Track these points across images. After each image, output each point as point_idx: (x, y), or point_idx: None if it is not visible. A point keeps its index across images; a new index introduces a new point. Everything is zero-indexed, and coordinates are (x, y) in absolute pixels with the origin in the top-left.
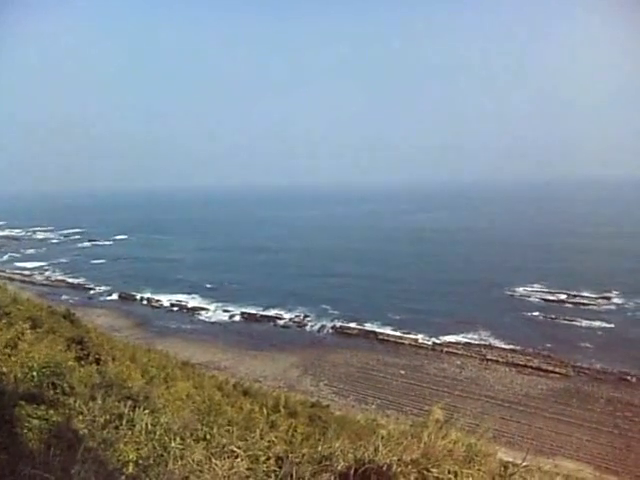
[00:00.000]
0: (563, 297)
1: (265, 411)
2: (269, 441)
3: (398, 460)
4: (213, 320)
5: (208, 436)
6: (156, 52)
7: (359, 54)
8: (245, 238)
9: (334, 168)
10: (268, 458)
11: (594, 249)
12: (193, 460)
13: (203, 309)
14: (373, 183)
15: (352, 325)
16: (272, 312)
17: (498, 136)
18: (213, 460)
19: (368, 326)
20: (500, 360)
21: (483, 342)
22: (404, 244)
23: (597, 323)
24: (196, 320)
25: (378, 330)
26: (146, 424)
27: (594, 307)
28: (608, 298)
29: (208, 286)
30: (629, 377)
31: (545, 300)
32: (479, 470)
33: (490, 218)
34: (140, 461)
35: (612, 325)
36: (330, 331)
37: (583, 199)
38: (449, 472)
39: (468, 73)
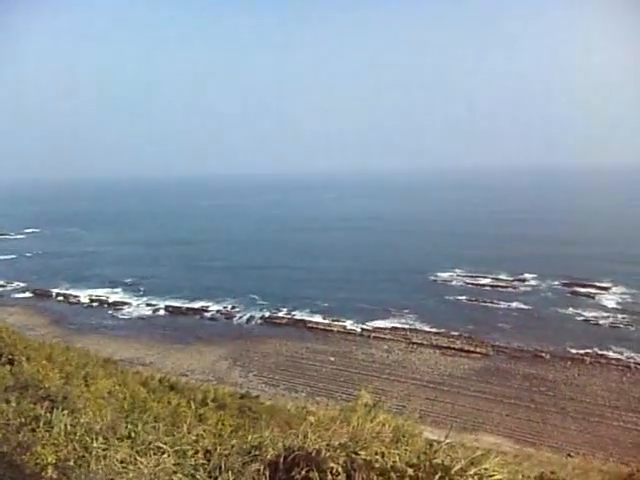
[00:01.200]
0: (482, 281)
1: (193, 405)
2: (197, 435)
3: (327, 445)
4: (136, 315)
5: (133, 434)
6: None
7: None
8: (168, 230)
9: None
10: (196, 452)
11: (511, 235)
12: (117, 459)
13: (125, 304)
14: (295, 172)
15: (281, 314)
16: (198, 304)
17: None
18: (138, 458)
19: (297, 315)
20: (425, 343)
21: (409, 326)
22: (329, 233)
23: (514, 304)
24: (118, 316)
25: (307, 318)
26: (65, 425)
27: (511, 289)
28: (523, 280)
29: (130, 280)
30: (543, 354)
31: (466, 284)
32: (406, 450)
33: (411, 206)
34: (60, 464)
35: (528, 306)
36: (259, 321)
37: (504, 187)
38: (376, 453)
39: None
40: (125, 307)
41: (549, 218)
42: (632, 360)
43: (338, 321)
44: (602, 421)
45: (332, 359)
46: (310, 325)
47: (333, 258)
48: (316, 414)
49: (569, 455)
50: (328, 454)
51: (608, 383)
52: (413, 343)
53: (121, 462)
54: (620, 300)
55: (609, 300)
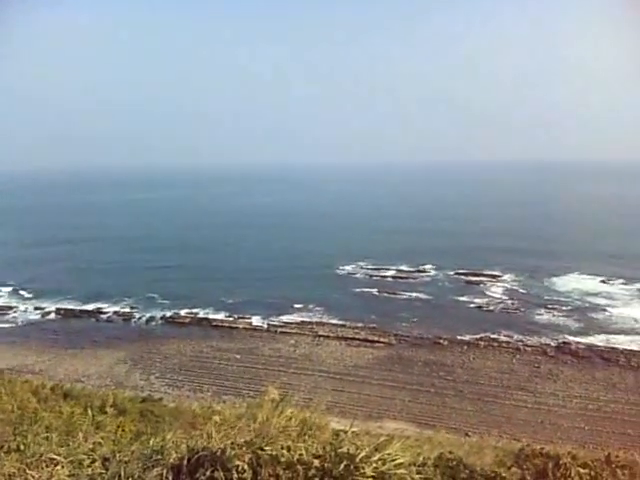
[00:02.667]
0: (385, 273)
1: (90, 413)
2: (94, 443)
3: (232, 443)
4: (23, 320)
5: (22, 446)
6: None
7: None
8: (58, 228)
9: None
10: (93, 461)
11: (413, 229)
12: (4, 474)
13: (10, 308)
14: (211, 165)
15: (183, 313)
16: (93, 306)
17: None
18: (29, 471)
19: (201, 313)
20: (331, 335)
21: (315, 320)
22: (234, 229)
23: (415, 294)
24: (3, 320)
25: (211, 316)
26: None
27: (412, 280)
28: (424, 271)
29: (14, 282)
30: (442, 340)
31: (370, 276)
32: (313, 442)
33: (315, 201)
34: None
35: (427, 295)
36: (160, 322)
37: (410, 181)
38: (283, 448)
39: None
40: (10, 312)
41: (451, 212)
42: (521, 342)
43: (244, 318)
44: (496, 401)
45: (238, 356)
46: (215, 323)
47: (237, 255)
48: (222, 413)
49: (467, 435)
50: (233, 452)
51: (500, 365)
52: (319, 336)
53: (9, 476)
54: (509, 287)
55: (499, 287)
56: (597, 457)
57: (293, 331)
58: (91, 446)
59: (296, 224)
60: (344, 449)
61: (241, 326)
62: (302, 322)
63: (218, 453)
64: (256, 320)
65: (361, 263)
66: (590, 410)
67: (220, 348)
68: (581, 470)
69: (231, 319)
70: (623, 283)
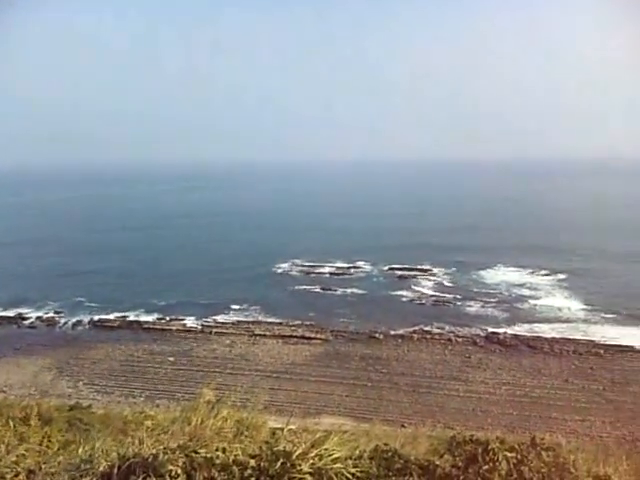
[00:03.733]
0: (321, 270)
1: (12, 424)
2: (17, 456)
3: (164, 448)
4: None
5: None
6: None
7: None
8: None
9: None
10: (17, 474)
11: (346, 227)
12: None
13: None
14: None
15: (113, 317)
16: (13, 312)
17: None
18: None
19: (131, 316)
20: (268, 334)
21: (252, 319)
22: (165, 230)
23: (350, 290)
24: None
25: (143, 319)
26: None
27: (347, 276)
28: (358, 267)
29: None
30: (377, 334)
31: (306, 273)
32: (249, 442)
33: (249, 200)
34: None
35: (362, 291)
36: (87, 326)
37: (355, 180)
38: (218, 450)
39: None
40: None
41: (387, 211)
42: (452, 334)
43: (177, 319)
44: (430, 391)
45: (172, 359)
46: (146, 326)
47: (170, 255)
48: (154, 418)
49: (403, 426)
50: (166, 457)
51: (433, 356)
52: (256, 335)
53: None
54: (440, 281)
55: (431, 281)
56: (523, 441)
57: (229, 331)
58: (14, 459)
59: (231, 223)
60: (280, 447)
61: (174, 328)
62: (238, 322)
63: (150, 459)
64: (190, 321)
65: (297, 261)
66: (518, 396)
67: (152, 351)
68: (508, 454)
69: (163, 321)
70: (546, 274)
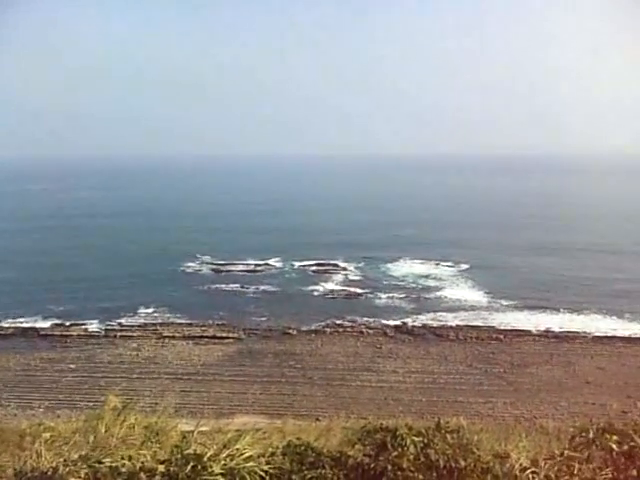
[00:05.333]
0: (231, 267)
1: None
2: None
3: (65, 460)
4: None
5: None
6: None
7: None
8: None
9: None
10: None
11: (256, 224)
12: None
13: None
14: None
15: (4, 324)
16: None
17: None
18: None
19: (25, 323)
20: (177, 335)
21: (160, 320)
22: (63, 230)
23: (262, 287)
24: None
25: (39, 325)
26: None
27: (259, 274)
28: (269, 264)
29: None
30: (290, 330)
31: (216, 272)
32: (159, 447)
33: (155, 198)
34: None
35: (275, 287)
36: None
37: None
38: (123, 458)
39: None
40: None
41: (300, 207)
42: (364, 326)
43: (77, 325)
44: (343, 383)
45: (73, 366)
46: (43, 333)
47: (69, 258)
48: (54, 429)
49: (317, 419)
50: (67, 469)
51: (346, 349)
52: (165, 337)
53: None
54: (350, 276)
55: (341, 276)
56: (430, 425)
57: (135, 334)
58: None
59: (136, 223)
60: (191, 450)
61: (75, 333)
62: (145, 324)
63: (49, 472)
64: (92, 326)
65: (206, 259)
66: (426, 383)
67: (52, 359)
68: (415, 439)
69: (62, 327)
70: (450, 266)
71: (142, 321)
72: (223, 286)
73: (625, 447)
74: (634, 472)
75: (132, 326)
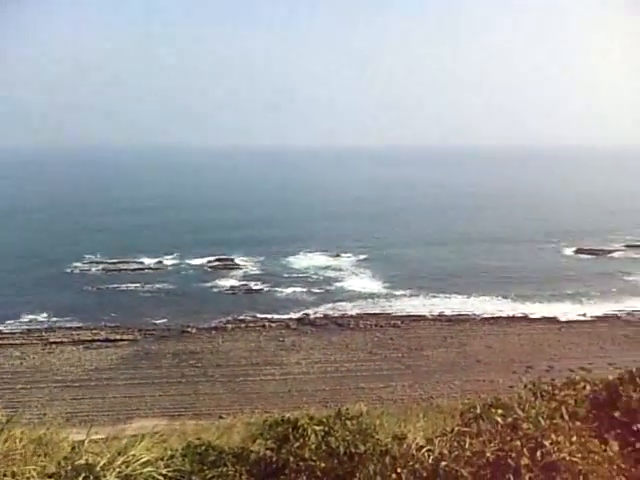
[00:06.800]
0: (124, 266)
1: None
2: None
3: None
4: None
5: None
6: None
7: None
8: None
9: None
10: None
11: (142, 223)
12: None
13: None
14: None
15: None
16: None
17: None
18: None
19: None
20: (65, 341)
21: (45, 326)
22: None
23: (158, 286)
24: None
25: None
26: None
27: (154, 272)
28: (165, 262)
29: None
30: (190, 329)
31: (107, 271)
32: (48, 460)
33: (39, 193)
34: None
35: (171, 285)
36: None
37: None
38: (6, 475)
39: None
40: None
41: (193, 202)
42: (266, 320)
43: None
44: (247, 379)
45: None
46: None
47: None
48: None
49: (221, 417)
50: None
51: (248, 344)
52: (52, 343)
53: None
54: (250, 271)
55: (241, 271)
56: (331, 414)
57: (18, 342)
58: None
59: (13, 220)
60: (82, 461)
61: None
62: (29, 330)
63: None
64: None
65: (95, 258)
66: (330, 372)
67: None
68: (317, 428)
69: None
70: (348, 257)
71: (25, 327)
72: (115, 286)
73: (509, 419)
74: (517, 442)
75: (14, 333)
